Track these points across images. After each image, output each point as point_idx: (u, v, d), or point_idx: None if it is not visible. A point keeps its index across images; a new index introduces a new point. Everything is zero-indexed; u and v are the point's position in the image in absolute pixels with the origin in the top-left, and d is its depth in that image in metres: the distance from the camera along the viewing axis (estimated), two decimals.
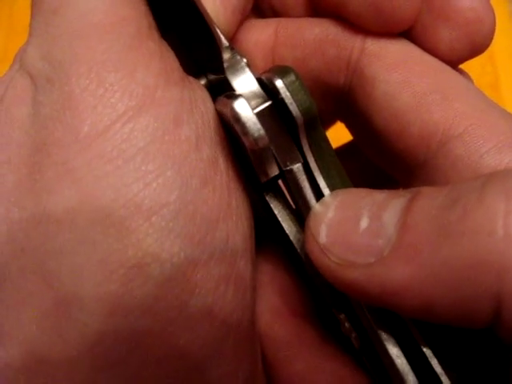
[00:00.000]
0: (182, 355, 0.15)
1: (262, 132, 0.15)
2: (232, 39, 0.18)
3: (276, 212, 0.17)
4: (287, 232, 0.17)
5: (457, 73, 0.18)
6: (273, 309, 0.19)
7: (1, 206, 0.14)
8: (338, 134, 0.23)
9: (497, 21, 0.18)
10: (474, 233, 0.12)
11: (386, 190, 0.15)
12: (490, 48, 0.18)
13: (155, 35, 0.16)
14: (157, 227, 0.14)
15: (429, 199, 0.13)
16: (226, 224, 0.15)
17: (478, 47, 0.18)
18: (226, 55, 0.16)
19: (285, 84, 0.15)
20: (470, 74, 0.19)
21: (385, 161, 0.19)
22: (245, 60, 0.16)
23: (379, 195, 0.15)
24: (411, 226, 0.13)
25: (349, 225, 0.14)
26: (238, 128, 0.15)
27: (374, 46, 0.18)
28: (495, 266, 0.12)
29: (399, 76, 0.17)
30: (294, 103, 0.15)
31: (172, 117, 0.15)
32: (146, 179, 0.14)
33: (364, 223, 0.14)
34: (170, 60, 0.16)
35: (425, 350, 0.15)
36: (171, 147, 0.15)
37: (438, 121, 0.16)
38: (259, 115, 0.15)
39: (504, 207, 0.12)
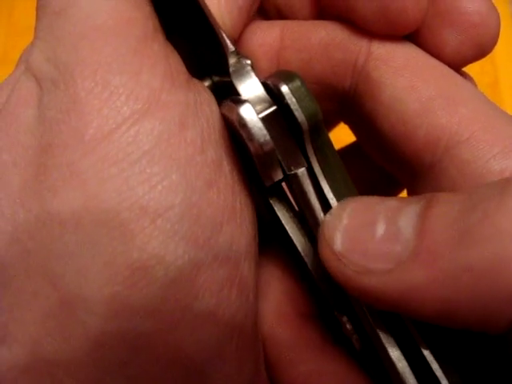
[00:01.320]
0: (185, 357, 0.15)
1: (268, 137, 0.15)
2: (237, 41, 0.18)
3: (280, 215, 0.18)
4: (291, 235, 0.18)
5: (462, 78, 0.18)
6: (276, 311, 0.19)
7: (6, 207, 0.15)
8: (341, 135, 0.23)
9: None
10: (495, 236, 0.12)
11: (397, 197, 0.15)
12: None
13: (160, 37, 0.16)
14: (162, 230, 0.14)
15: (446, 204, 0.13)
16: (231, 226, 0.15)
17: (483, 50, 0.18)
18: (232, 60, 0.16)
19: (290, 89, 0.15)
20: (470, 73, 0.19)
21: (390, 164, 0.19)
22: (250, 64, 0.16)
23: (392, 202, 0.15)
24: (429, 230, 0.13)
25: (365, 231, 0.14)
26: (243, 133, 0.15)
27: (380, 49, 0.18)
28: None
29: (405, 80, 0.17)
30: (299, 109, 0.15)
31: (177, 120, 0.15)
32: (151, 182, 0.14)
33: (380, 229, 0.14)
34: (175, 62, 0.16)
35: (426, 353, 0.15)
36: (176, 150, 0.15)
37: (444, 125, 0.16)
38: (264, 120, 0.15)
39: None
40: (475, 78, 0.19)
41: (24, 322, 0.14)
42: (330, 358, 0.19)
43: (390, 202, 0.15)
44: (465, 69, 0.19)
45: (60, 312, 0.14)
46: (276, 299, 0.19)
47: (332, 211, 0.16)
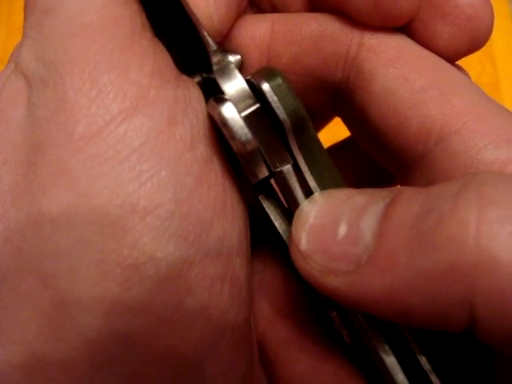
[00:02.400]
0: (177, 353, 0.15)
1: (250, 136, 0.15)
2: (227, 36, 0.18)
3: (268, 211, 0.18)
4: (279, 231, 0.18)
5: (455, 69, 0.18)
6: (272, 309, 0.19)
7: None
8: (337, 130, 0.23)
9: (497, 21, 0.18)
10: (447, 243, 0.12)
11: (368, 191, 0.15)
12: (490, 47, 0.18)
13: (148, 34, 0.16)
14: (152, 227, 0.14)
15: (406, 206, 0.13)
16: (222, 223, 0.15)
17: (476, 43, 0.18)
18: (216, 58, 0.16)
19: (271, 87, 0.15)
20: (470, 73, 0.19)
21: (382, 156, 0.19)
22: (234, 60, 0.16)
23: (360, 198, 0.15)
24: (387, 234, 0.13)
25: (327, 232, 0.14)
26: (225, 132, 0.15)
27: (372, 40, 0.18)
28: (467, 277, 0.12)
29: (397, 71, 0.17)
30: (280, 107, 0.15)
31: (166, 116, 0.15)
32: (140, 179, 0.14)
33: (342, 230, 0.14)
34: (163, 59, 0.16)
35: (414, 347, 0.15)
36: (166, 147, 0.15)
37: (435, 116, 0.16)
38: (247, 118, 0.15)
39: (476, 218, 0.12)
40: (475, 78, 0.19)
41: (17, 321, 0.14)
42: (327, 356, 0.19)
43: (357, 199, 0.15)
44: (465, 68, 0.19)
45: (53, 310, 0.14)
46: (271, 297, 0.19)
47: (301, 208, 0.16)
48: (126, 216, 0.14)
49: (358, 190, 0.15)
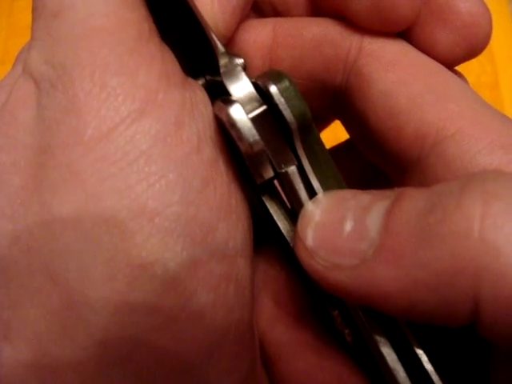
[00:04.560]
0: (182, 352, 0.15)
1: (257, 137, 0.15)
2: (230, 39, 0.19)
3: (272, 212, 0.18)
4: (282, 231, 0.18)
5: (452, 74, 0.18)
6: (273, 308, 0.20)
7: (7, 206, 0.15)
8: (337, 133, 0.23)
9: (497, 21, 0.18)
10: (451, 237, 0.12)
11: (372, 191, 0.15)
12: (489, 48, 0.18)
13: (156, 38, 0.16)
14: (160, 228, 0.14)
15: (411, 202, 0.14)
16: (227, 223, 0.16)
17: (474, 50, 0.18)
18: (223, 60, 0.16)
19: (279, 89, 0.15)
20: (470, 73, 0.19)
21: (380, 159, 0.19)
22: (241, 63, 0.17)
23: (364, 197, 0.15)
24: (393, 229, 0.14)
25: (334, 228, 0.15)
26: (233, 133, 0.15)
27: (371, 45, 0.18)
28: (472, 270, 0.12)
29: (395, 76, 0.17)
30: (287, 109, 0.15)
31: (173, 119, 0.15)
32: (149, 181, 0.15)
33: (348, 226, 0.14)
34: (170, 62, 0.16)
35: (415, 347, 0.15)
36: (173, 149, 0.15)
37: (432, 121, 0.17)
38: (254, 120, 0.15)
39: (480, 211, 0.12)
40: (475, 78, 0.20)
41: (27, 319, 0.14)
42: (327, 354, 0.19)
43: (362, 197, 0.15)
44: (465, 69, 0.19)
45: (62, 309, 0.14)
46: (272, 297, 0.20)
47: (306, 207, 0.16)
48: (135, 217, 0.14)
49: (361, 191, 0.15)
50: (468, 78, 0.20)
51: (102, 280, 0.14)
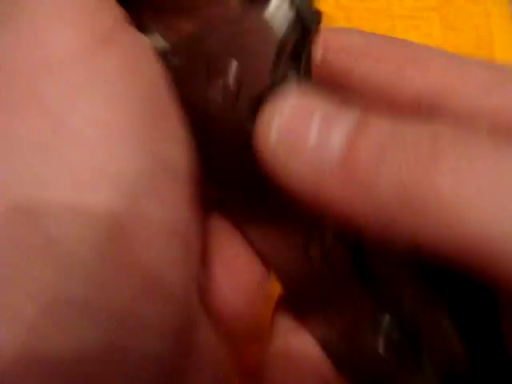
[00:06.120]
0: (143, 263, 0.15)
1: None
2: None
3: None
4: None
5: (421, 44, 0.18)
6: (234, 283, 0.19)
7: None
8: None
9: (497, 21, 0.18)
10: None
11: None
12: (490, 48, 0.18)
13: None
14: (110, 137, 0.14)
15: (374, 134, 0.14)
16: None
17: None
18: None
19: None
20: None
21: None
22: None
23: (330, 107, 0.15)
24: (354, 150, 0.13)
25: (298, 134, 0.14)
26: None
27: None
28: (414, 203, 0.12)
29: (369, 59, 0.17)
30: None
31: (130, 58, 0.15)
32: None
33: (312, 138, 0.14)
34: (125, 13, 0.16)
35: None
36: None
37: (420, 88, 0.16)
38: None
39: (429, 152, 0.12)
40: None
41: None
42: (297, 331, 0.18)
43: (328, 108, 0.15)
44: None
45: None
46: (230, 268, 0.19)
47: (271, 104, 0.15)
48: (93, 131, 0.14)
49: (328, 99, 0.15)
50: None
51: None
